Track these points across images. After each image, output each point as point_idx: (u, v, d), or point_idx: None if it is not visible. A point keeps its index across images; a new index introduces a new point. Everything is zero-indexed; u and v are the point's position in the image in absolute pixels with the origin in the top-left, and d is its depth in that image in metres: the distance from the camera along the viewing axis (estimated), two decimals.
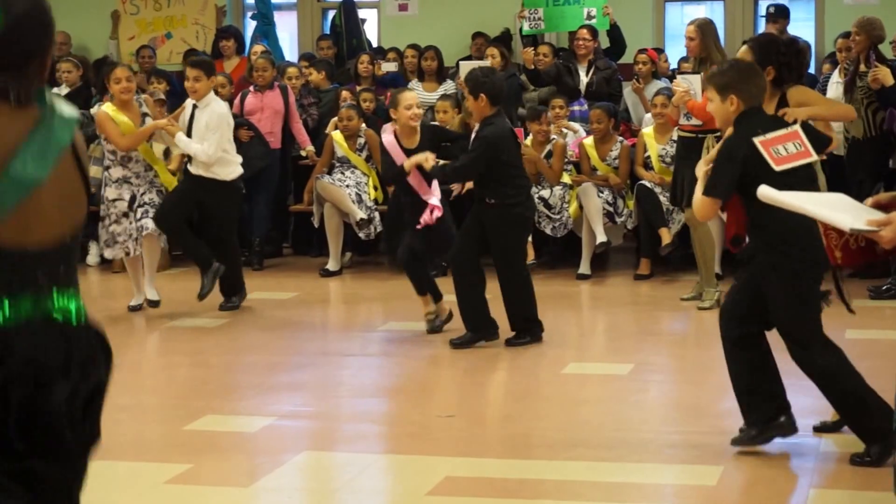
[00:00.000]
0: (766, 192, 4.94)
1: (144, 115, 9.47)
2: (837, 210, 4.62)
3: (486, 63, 12.08)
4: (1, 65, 2.89)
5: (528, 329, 8.41)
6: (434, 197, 8.46)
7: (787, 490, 5.61)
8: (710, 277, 9.56)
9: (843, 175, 10.79)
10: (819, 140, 5.94)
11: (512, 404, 7.27)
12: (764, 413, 5.93)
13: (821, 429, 6.21)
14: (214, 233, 9.63)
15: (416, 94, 8.71)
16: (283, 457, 6.14)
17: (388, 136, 8.56)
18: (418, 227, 8.39)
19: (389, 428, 6.91)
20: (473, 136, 8.31)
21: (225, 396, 7.32)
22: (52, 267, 2.98)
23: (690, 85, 9.16)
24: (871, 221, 4.33)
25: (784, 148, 5.73)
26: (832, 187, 10.81)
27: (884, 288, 9.76)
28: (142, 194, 9.47)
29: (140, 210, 9.44)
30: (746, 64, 6.07)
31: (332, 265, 11.40)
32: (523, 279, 8.39)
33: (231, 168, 9.61)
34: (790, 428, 5.96)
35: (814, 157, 5.81)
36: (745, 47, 6.22)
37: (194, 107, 9.51)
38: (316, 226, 11.82)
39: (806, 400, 6.76)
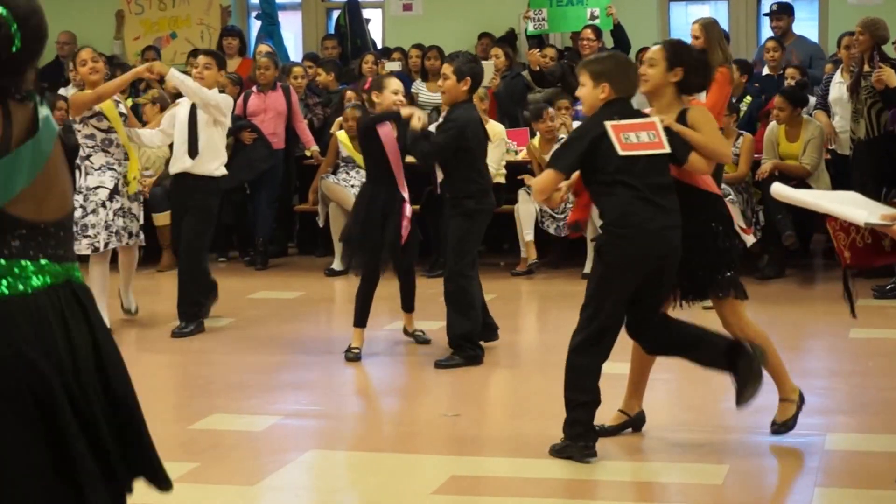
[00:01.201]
0: (779, 190, 4.93)
1: (117, 101, 9.02)
2: (852, 206, 4.63)
3: (491, 62, 12.11)
4: (10, 73, 3.17)
5: (460, 347, 7.94)
6: (406, 191, 8.14)
7: (793, 488, 5.62)
8: None
9: (848, 175, 10.81)
10: (677, 144, 5.90)
11: (517, 403, 7.28)
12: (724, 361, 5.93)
13: (602, 433, 6.14)
14: (183, 240, 9.04)
15: (399, 83, 8.24)
16: (289, 455, 6.15)
17: (385, 129, 8.09)
18: (402, 236, 8.09)
19: (395, 427, 6.92)
20: (443, 118, 8.13)
21: (230, 395, 7.34)
22: (64, 238, 3.28)
23: None
24: (885, 216, 4.35)
25: (636, 136, 5.78)
26: (837, 187, 10.84)
27: (888, 287, 9.76)
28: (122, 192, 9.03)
29: (125, 219, 9.00)
30: (623, 56, 6.40)
31: (336, 265, 11.40)
32: (460, 286, 7.94)
33: (218, 163, 9.05)
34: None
35: (665, 150, 5.81)
36: (657, 47, 6.27)
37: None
38: (321, 226, 11.84)
39: (809, 399, 6.78)
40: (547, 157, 11.11)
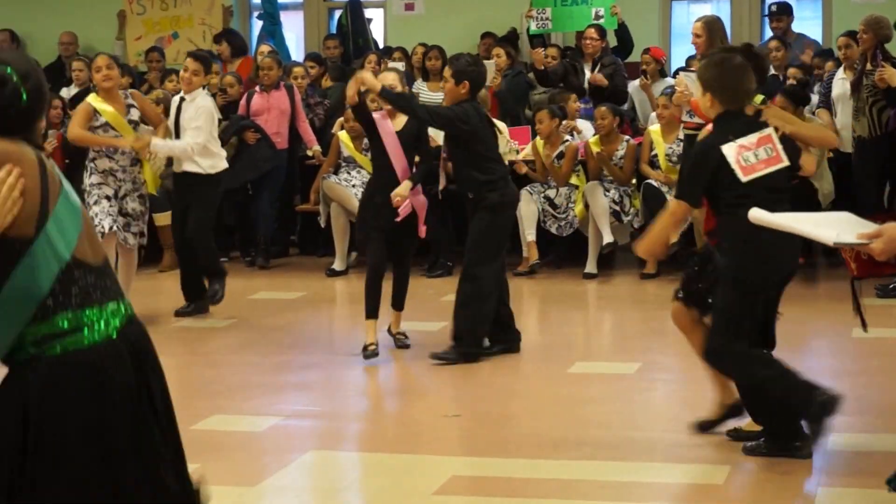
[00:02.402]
0: (756, 215, 4.89)
1: (130, 105, 9.26)
2: (827, 226, 4.59)
3: (491, 61, 12.09)
4: (22, 129, 3.32)
5: (458, 342, 7.99)
6: (417, 194, 8.13)
7: (795, 489, 5.60)
8: None
9: (850, 173, 10.79)
10: (792, 149, 5.83)
11: (518, 404, 7.26)
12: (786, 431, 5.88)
13: (735, 437, 6.09)
14: (189, 228, 9.41)
15: (395, 75, 8.10)
16: (290, 456, 6.14)
17: (379, 114, 8.10)
18: (397, 219, 7.97)
19: (395, 427, 6.90)
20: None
21: (232, 396, 7.32)
22: (112, 277, 3.44)
23: (693, 83, 9.13)
24: (860, 235, 4.28)
25: (754, 154, 5.66)
26: (839, 185, 10.83)
27: (891, 287, 9.73)
28: (123, 197, 9.17)
29: (122, 220, 9.14)
30: (732, 61, 5.82)
31: (338, 265, 11.39)
32: (481, 282, 7.92)
33: (215, 161, 9.46)
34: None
35: (785, 163, 5.71)
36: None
37: (181, 100, 9.43)
38: (322, 226, 11.82)
39: None
40: (550, 156, 11.21)
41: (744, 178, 5.64)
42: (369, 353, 7.98)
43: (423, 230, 8.23)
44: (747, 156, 5.65)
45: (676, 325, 6.23)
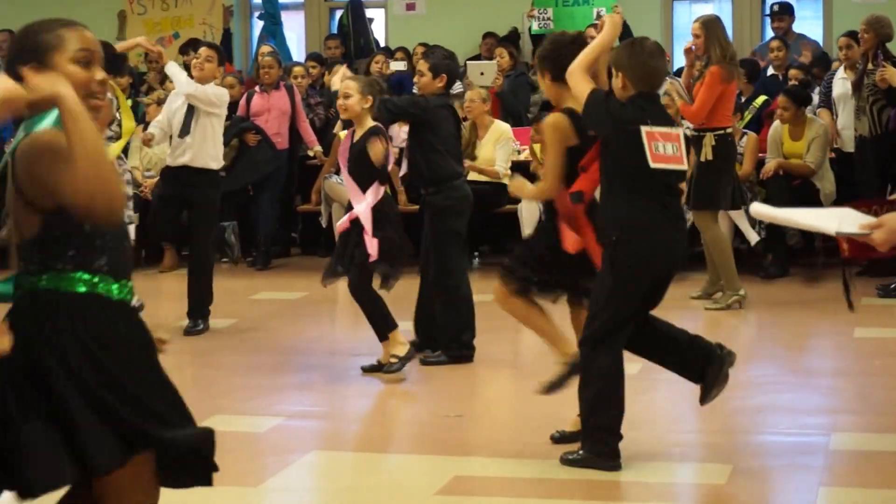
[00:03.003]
0: (759, 210, 4.88)
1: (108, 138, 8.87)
2: (829, 218, 4.60)
3: (494, 62, 12.09)
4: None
5: (446, 345, 7.88)
6: (363, 202, 7.58)
7: (797, 488, 5.60)
8: (732, 279, 9.38)
9: (851, 173, 10.80)
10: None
11: (520, 404, 7.25)
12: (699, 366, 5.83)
13: (559, 439, 6.05)
14: (193, 231, 9.01)
15: (356, 84, 7.61)
16: (292, 457, 6.14)
17: (347, 133, 7.96)
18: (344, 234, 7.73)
19: (397, 428, 6.90)
20: None
21: (233, 396, 7.32)
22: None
23: (675, 90, 9.22)
24: (862, 225, 4.30)
25: (664, 147, 5.58)
26: (841, 184, 10.83)
27: (892, 286, 9.73)
28: None
29: None
30: (643, 45, 5.74)
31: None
32: (452, 291, 7.87)
33: (214, 153, 8.98)
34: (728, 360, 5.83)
35: (684, 167, 5.67)
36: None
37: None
38: (324, 226, 11.82)
39: (814, 398, 6.77)
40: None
41: (652, 164, 5.52)
42: (395, 366, 7.61)
43: (373, 245, 7.52)
44: (658, 144, 5.56)
45: (528, 320, 6.37)
